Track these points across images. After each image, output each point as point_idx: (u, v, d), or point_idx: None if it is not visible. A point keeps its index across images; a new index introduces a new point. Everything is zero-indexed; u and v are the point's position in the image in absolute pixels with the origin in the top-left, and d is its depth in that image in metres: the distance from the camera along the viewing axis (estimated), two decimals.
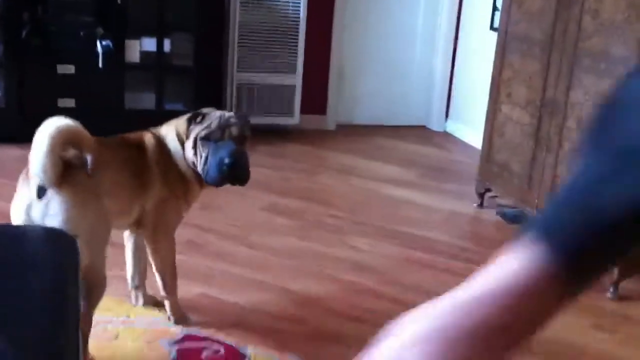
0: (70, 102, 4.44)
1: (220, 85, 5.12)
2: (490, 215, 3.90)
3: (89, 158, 1.93)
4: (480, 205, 3.98)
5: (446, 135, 5.70)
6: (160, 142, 2.31)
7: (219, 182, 2.26)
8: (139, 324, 2.41)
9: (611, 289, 2.97)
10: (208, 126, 2.23)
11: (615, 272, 2.92)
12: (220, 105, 5.08)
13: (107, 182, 2.09)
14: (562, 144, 3.25)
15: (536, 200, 3.43)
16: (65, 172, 1.90)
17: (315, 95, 5.54)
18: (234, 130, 2.25)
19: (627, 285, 2.99)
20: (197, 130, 2.24)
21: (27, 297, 1.29)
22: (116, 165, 2.18)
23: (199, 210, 3.36)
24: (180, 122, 2.32)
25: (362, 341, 2.33)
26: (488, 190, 3.94)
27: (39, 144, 1.82)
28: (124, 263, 2.82)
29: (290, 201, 3.86)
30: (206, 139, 2.22)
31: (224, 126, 2.24)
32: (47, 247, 1.54)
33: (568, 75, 3.23)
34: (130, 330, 2.36)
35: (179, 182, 2.32)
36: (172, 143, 2.31)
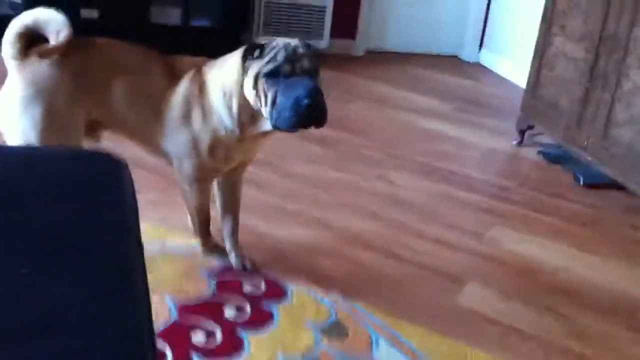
0: (93, 13, 4.22)
1: (248, 2, 4.86)
2: (530, 153, 3.73)
3: (49, 45, 1.92)
4: (520, 142, 3.81)
5: (479, 66, 5.47)
6: (201, 84, 2.00)
7: (294, 126, 1.85)
8: (177, 251, 2.29)
9: None
10: (273, 59, 1.84)
11: None
12: (247, 24, 4.86)
13: (87, 84, 2.00)
14: (621, 83, 3.05)
15: (585, 142, 3.26)
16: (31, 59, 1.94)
17: (346, 18, 5.30)
18: (306, 63, 1.86)
19: None
20: (258, 65, 1.86)
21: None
22: (110, 72, 2.02)
23: None
24: (230, 66, 1.94)
25: (403, 281, 2.20)
26: (530, 127, 3.76)
27: (12, 23, 1.91)
28: (157, 187, 2.69)
29: (324, 130, 3.67)
30: (273, 75, 1.84)
31: (292, 58, 1.85)
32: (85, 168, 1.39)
33: (633, 8, 3.00)
34: (169, 257, 2.24)
35: (208, 134, 2.01)
36: (214, 90, 1.98)
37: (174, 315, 1.97)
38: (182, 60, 2.08)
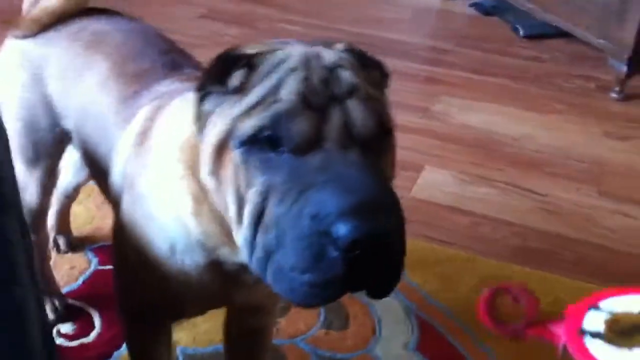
0: None
1: None
2: (462, 7, 3.41)
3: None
4: None
5: None
6: (145, 134, 0.96)
7: (312, 302, 0.71)
8: None
9: (617, 89, 2.63)
10: (269, 96, 0.73)
11: (624, 69, 2.57)
12: None
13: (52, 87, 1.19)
14: None
15: None
16: None
17: None
18: (359, 112, 0.73)
19: (632, 82, 2.65)
20: (229, 113, 0.76)
21: None
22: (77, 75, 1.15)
23: None
24: (182, 109, 0.88)
25: None
26: None
27: None
28: None
29: (235, 4, 3.24)
30: (263, 142, 0.72)
31: (322, 95, 0.73)
32: None
33: None
34: None
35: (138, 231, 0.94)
36: (154, 153, 0.93)
37: (94, 263, 1.63)
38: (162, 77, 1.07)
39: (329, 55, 0.77)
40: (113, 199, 1.03)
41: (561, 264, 1.77)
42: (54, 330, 1.44)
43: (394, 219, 0.67)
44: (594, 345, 0.52)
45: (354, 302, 1.57)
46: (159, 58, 1.12)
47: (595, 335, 0.53)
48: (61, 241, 1.66)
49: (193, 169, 0.82)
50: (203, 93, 0.78)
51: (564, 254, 1.82)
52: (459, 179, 2.09)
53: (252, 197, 0.72)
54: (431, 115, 2.44)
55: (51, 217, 1.61)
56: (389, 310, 1.57)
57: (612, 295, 0.57)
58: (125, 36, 1.17)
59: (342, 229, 0.63)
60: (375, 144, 0.74)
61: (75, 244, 1.67)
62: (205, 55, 0.84)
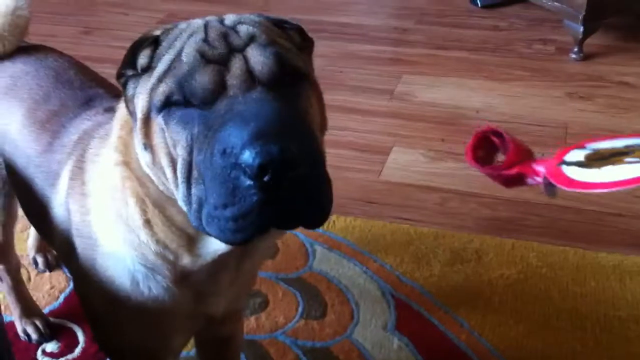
0: None
1: None
2: None
3: None
4: None
5: None
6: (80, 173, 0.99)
7: (237, 239, 0.75)
8: None
9: (575, 49, 2.67)
10: (173, 63, 0.79)
11: (580, 30, 2.60)
12: None
13: None
14: None
15: None
16: None
17: None
18: (256, 56, 0.78)
19: (590, 41, 2.69)
20: (146, 86, 0.81)
21: None
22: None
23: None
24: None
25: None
26: None
27: None
28: None
29: (194, 5, 3.25)
30: (174, 104, 0.78)
31: (216, 51, 0.78)
32: None
33: None
34: None
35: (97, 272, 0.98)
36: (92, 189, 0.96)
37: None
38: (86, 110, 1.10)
39: (231, 17, 0.84)
40: (59, 249, 1.06)
41: (530, 229, 1.82)
42: (39, 350, 1.48)
43: (303, 145, 0.71)
44: (568, 170, 0.58)
45: (331, 290, 1.61)
46: (69, 96, 1.13)
47: (571, 163, 0.59)
48: (39, 260, 1.69)
49: (133, 168, 0.86)
50: (123, 80, 0.85)
51: (532, 219, 1.86)
52: (426, 157, 2.13)
53: (180, 153, 0.77)
54: (397, 96, 2.47)
55: (30, 236, 1.66)
56: (366, 294, 1.61)
57: (603, 140, 0.64)
58: (37, 77, 1.18)
59: (247, 157, 0.68)
60: (286, 88, 0.78)
61: (54, 263, 1.70)
62: None
